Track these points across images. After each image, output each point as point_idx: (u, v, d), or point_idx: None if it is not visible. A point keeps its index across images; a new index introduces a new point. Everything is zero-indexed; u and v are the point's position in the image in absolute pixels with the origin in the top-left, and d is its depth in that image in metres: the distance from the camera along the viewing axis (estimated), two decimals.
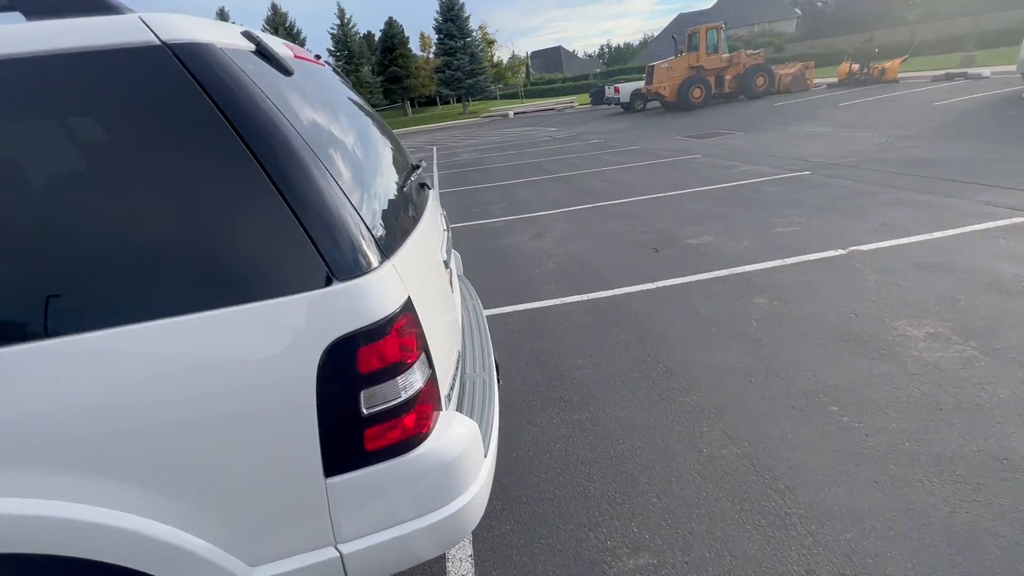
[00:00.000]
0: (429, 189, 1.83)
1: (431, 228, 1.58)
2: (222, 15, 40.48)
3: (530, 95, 51.82)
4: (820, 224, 5.10)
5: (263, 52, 1.21)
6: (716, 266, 4.41)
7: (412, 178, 1.70)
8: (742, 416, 2.48)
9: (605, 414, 2.64)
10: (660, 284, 4.20)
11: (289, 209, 1.00)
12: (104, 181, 0.98)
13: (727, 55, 20.44)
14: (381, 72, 46.78)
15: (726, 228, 5.40)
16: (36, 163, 0.99)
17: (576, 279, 4.56)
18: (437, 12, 42.66)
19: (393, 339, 1.09)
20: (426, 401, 1.20)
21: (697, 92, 20.28)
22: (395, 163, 1.64)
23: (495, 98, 52.38)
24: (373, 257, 1.09)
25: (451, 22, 42.26)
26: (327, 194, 1.05)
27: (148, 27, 0.98)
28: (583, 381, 2.97)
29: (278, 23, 42.79)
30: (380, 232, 1.18)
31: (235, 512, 1.09)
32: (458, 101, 47.84)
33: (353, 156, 1.31)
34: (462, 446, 1.25)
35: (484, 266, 5.22)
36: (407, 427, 1.15)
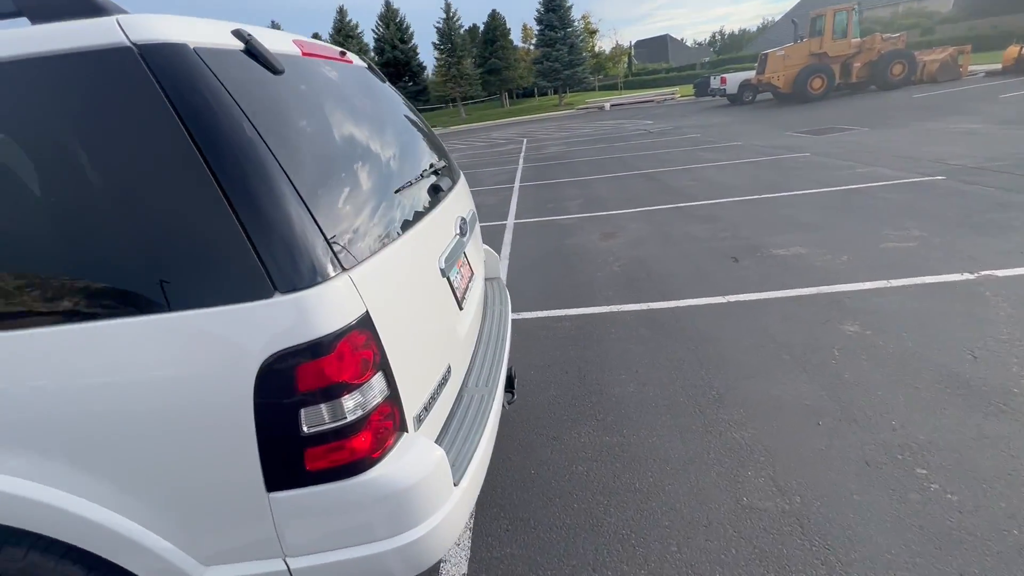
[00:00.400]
0: (444, 191, 1.75)
1: (430, 236, 1.50)
2: (341, 12, 43.67)
3: (630, 86, 50.00)
4: (945, 240, 4.29)
5: (251, 51, 1.19)
6: (802, 282, 3.88)
7: (422, 181, 1.62)
8: (798, 465, 2.13)
9: (638, 440, 2.42)
10: (732, 298, 3.79)
11: (235, 217, 0.96)
12: (48, 180, 1.01)
13: (857, 40, 18.06)
14: (481, 64, 47.78)
15: (823, 239, 4.74)
16: None
17: (639, 286, 4.27)
18: (539, 3, 42.48)
19: (337, 358, 1.02)
20: (381, 423, 1.12)
21: (817, 82, 18.21)
22: (401, 165, 1.57)
23: (593, 89, 51.25)
24: (324, 269, 1.02)
25: (552, 12, 41.89)
26: (276, 202, 0.99)
27: (121, 29, 0.99)
28: (622, 400, 2.74)
29: (389, 19, 45.29)
30: (345, 242, 1.11)
31: (185, 510, 1.10)
32: (555, 92, 47.48)
33: (339, 159, 1.26)
34: (420, 474, 1.16)
35: (545, 265, 5.08)
36: (355, 449, 1.08)
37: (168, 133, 0.96)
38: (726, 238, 5.17)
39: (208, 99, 0.99)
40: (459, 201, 2.01)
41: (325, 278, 1.02)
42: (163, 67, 0.98)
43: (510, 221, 7.11)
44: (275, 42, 1.35)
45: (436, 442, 1.42)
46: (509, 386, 2.11)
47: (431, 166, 1.78)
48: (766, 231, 5.21)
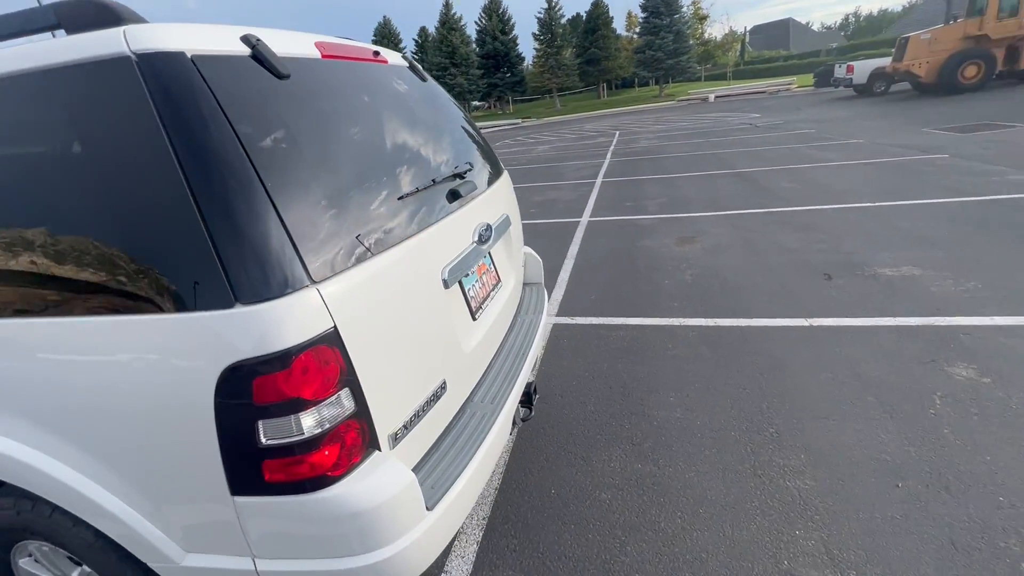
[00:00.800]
0: (465, 196, 1.67)
1: (434, 245, 1.43)
2: (447, 5, 45.07)
3: (741, 76, 46.38)
4: None
5: (257, 56, 1.20)
6: (909, 310, 3.31)
7: (437, 187, 1.56)
8: (861, 532, 1.81)
9: (674, 473, 2.20)
10: (816, 322, 3.33)
11: (203, 224, 0.97)
12: (50, 183, 1.09)
13: None
14: (581, 54, 46.95)
15: (946, 259, 4.02)
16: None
17: (709, 298, 3.92)
18: None
19: (295, 373, 0.99)
20: (345, 441, 1.09)
21: (971, 70, 15.54)
22: (417, 171, 1.51)
23: (698, 79, 48.24)
24: (290, 282, 1.00)
25: None
26: (244, 212, 0.99)
27: (124, 38, 1.03)
28: (664, 425, 2.52)
29: (492, 10, 45.95)
30: (322, 253, 1.08)
31: (164, 499, 1.16)
32: (655, 83, 45.43)
33: (336, 165, 1.23)
34: (383, 497, 1.11)
35: (612, 267, 4.84)
36: (315, 465, 1.06)
37: (153, 138, 0.99)
38: (822, 251, 4.58)
39: (191, 105, 1.00)
40: (491, 205, 1.93)
41: (290, 290, 1.00)
42: (155, 75, 1.01)
43: (584, 219, 6.90)
44: (293, 46, 1.36)
45: (422, 460, 1.37)
46: (527, 401, 2.02)
47: (455, 171, 1.71)
48: (873, 245, 4.53)
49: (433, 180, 1.52)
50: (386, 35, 47.70)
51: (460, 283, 1.66)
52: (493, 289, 1.92)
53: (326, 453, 1.06)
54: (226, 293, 0.96)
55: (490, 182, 2.04)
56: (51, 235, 1.09)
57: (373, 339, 1.16)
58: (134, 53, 1.02)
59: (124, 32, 1.04)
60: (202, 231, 0.97)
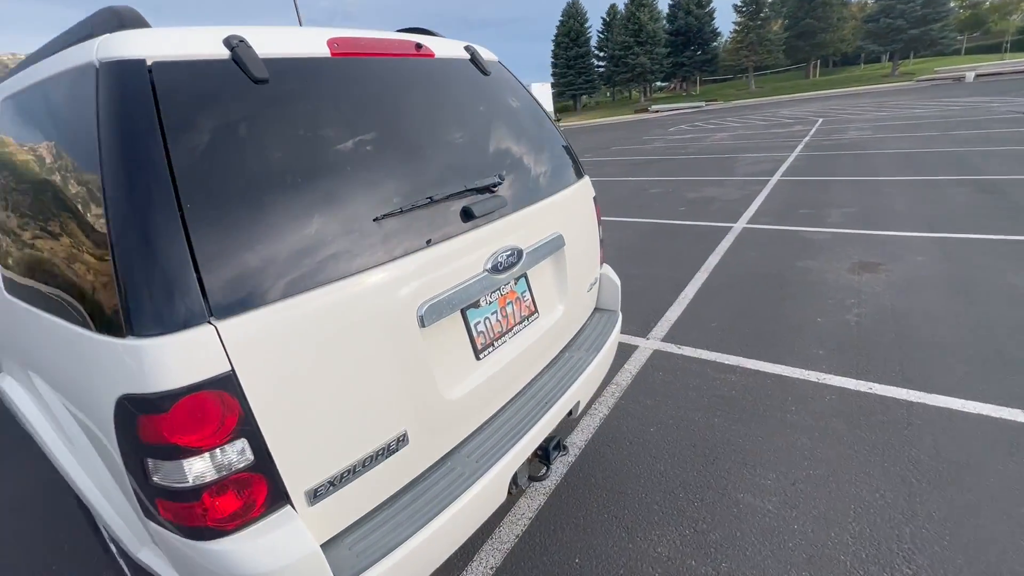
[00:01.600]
0: (481, 216, 1.41)
1: (411, 275, 1.21)
2: None
3: (1022, 47, 35.16)
4: None
5: (237, 59, 1.11)
6: None
7: (442, 205, 1.33)
8: None
9: None
10: None
11: (110, 242, 0.92)
12: (19, 191, 1.14)
13: None
14: (792, 27, 40.64)
15: None
16: None
17: (874, 352, 2.98)
18: None
19: (175, 418, 0.90)
20: (239, 494, 0.98)
21: None
22: (419, 185, 1.30)
23: (955, 53, 37.99)
24: (183, 317, 0.89)
25: None
26: (149, 235, 0.90)
27: (95, 47, 1.02)
28: (747, 516, 1.96)
29: None
30: (236, 286, 0.95)
31: (113, 492, 1.20)
32: (889, 59, 37.13)
33: (296, 181, 1.09)
34: (274, 565, 0.98)
35: (751, 289, 4.03)
36: (206, 513, 0.97)
37: (92, 148, 0.97)
38: None
39: (124, 114, 0.95)
40: (534, 223, 1.64)
41: (183, 327, 0.90)
42: (106, 84, 0.98)
43: (739, 224, 5.92)
44: (294, 45, 1.25)
45: (363, 519, 1.21)
46: (545, 457, 1.71)
47: (477, 185, 1.46)
48: None
49: (431, 198, 1.30)
50: (573, 15, 47.51)
51: (464, 315, 1.43)
52: (523, 322, 1.64)
53: (217, 504, 0.96)
54: (119, 322, 0.91)
55: (543, 196, 1.74)
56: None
57: (291, 385, 1.01)
58: (98, 61, 1.01)
59: (99, 41, 1.03)
60: (108, 249, 0.92)
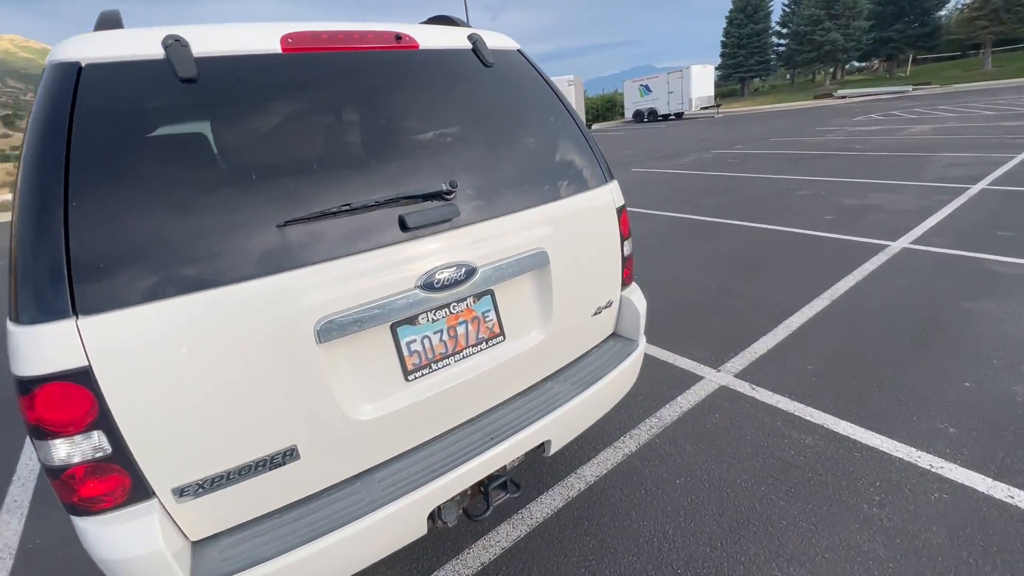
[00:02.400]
0: (424, 227, 1.26)
1: (313, 287, 1.13)
2: None
3: None
4: None
5: (170, 59, 1.13)
6: None
7: (373, 213, 1.23)
8: None
9: None
10: None
11: (12, 238, 1.00)
12: None
13: None
14: None
15: None
16: None
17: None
18: None
19: (36, 402, 0.96)
20: (100, 481, 1.03)
21: None
22: (336, 191, 1.20)
23: None
24: (49, 310, 0.94)
25: None
26: (35, 229, 0.96)
27: (57, 48, 1.12)
28: None
29: None
30: (112, 284, 0.98)
31: None
32: None
33: (198, 183, 1.08)
34: (121, 555, 1.02)
35: (881, 330, 3.20)
36: (77, 490, 1.04)
37: (24, 149, 1.07)
38: None
39: (41, 112, 1.02)
40: (493, 239, 1.44)
41: (48, 319, 0.95)
42: (43, 84, 1.07)
43: (899, 243, 4.76)
44: (247, 42, 1.25)
45: (245, 525, 1.21)
46: (486, 496, 1.54)
47: (425, 192, 1.32)
48: None
49: (348, 205, 1.20)
50: None
51: (394, 332, 1.33)
52: (480, 344, 1.48)
53: (81, 485, 1.03)
54: (12, 308, 0.99)
55: (528, 205, 1.52)
56: None
57: (156, 386, 1.03)
58: (49, 62, 1.11)
59: (64, 42, 1.13)
60: (13, 239, 1.00)
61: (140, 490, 1.07)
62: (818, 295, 3.82)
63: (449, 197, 1.35)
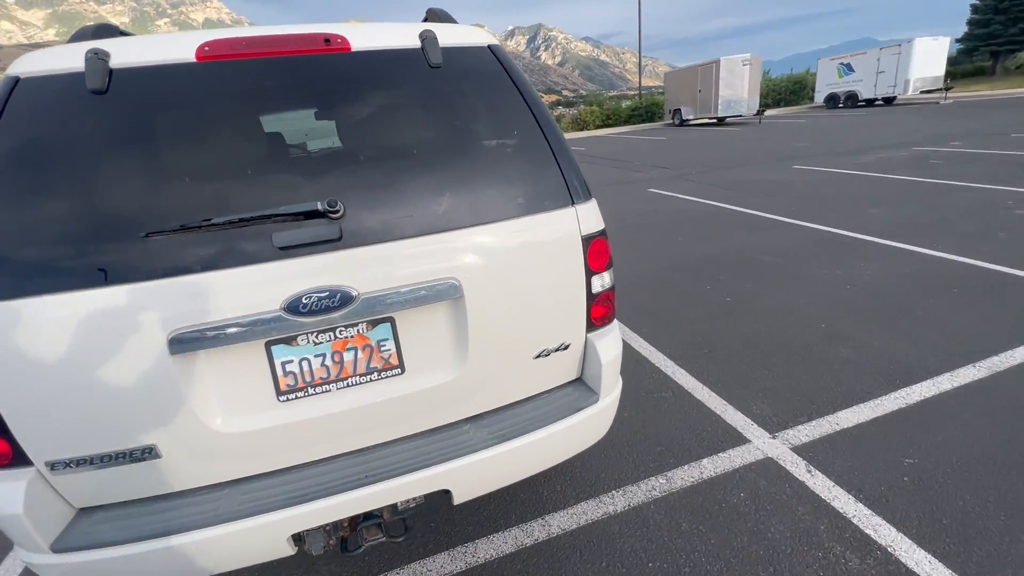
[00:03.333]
0: (291, 247, 1.16)
1: (168, 300, 1.13)
2: None
3: None
4: None
5: (85, 72, 1.22)
6: None
7: (230, 230, 1.18)
8: None
9: None
10: None
11: None
12: None
13: None
14: None
15: None
16: None
17: None
18: None
19: None
20: None
21: None
22: (207, 205, 1.17)
23: None
24: None
25: None
26: None
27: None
28: None
29: None
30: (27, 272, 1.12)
31: None
32: None
33: (74, 191, 1.15)
34: None
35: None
36: None
37: None
38: None
39: None
40: (391, 264, 1.29)
41: None
42: None
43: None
44: (163, 52, 1.29)
45: (112, 507, 1.31)
46: (358, 535, 1.44)
47: (298, 211, 1.23)
48: None
49: (208, 220, 1.17)
50: None
51: (268, 351, 1.29)
52: (371, 375, 1.37)
53: None
54: None
55: (444, 227, 1.34)
56: None
57: (25, 373, 1.14)
58: (4, 76, 1.28)
59: (22, 57, 1.30)
60: None
61: (21, 458, 1.22)
62: (973, 361, 2.81)
63: (334, 216, 1.25)
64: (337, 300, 1.26)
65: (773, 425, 2.46)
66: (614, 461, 2.31)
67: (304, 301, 1.23)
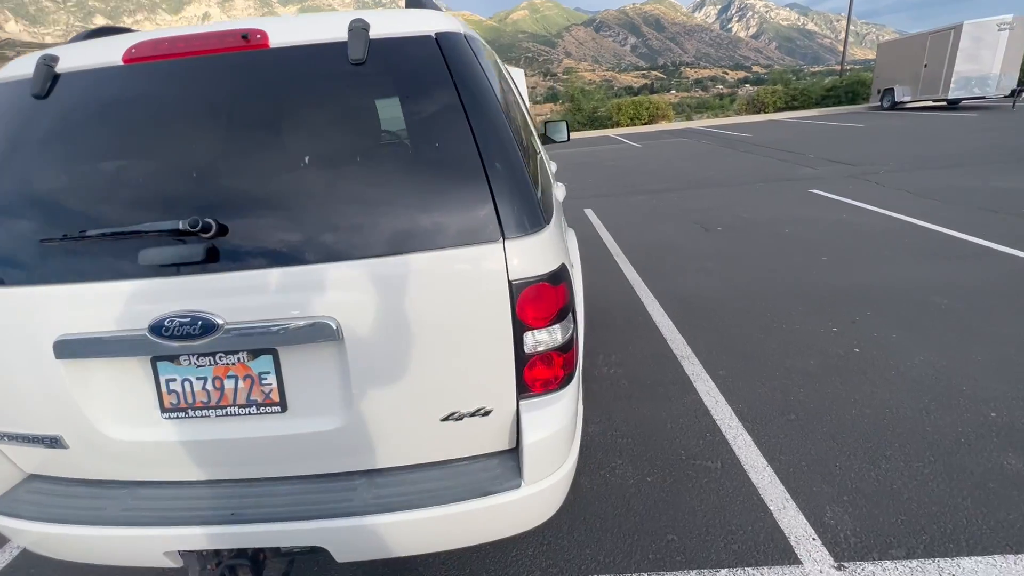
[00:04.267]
0: (160, 266, 1.05)
1: (59, 305, 1.12)
2: None
3: None
4: None
5: (32, 78, 1.28)
6: None
7: (101, 241, 1.13)
8: None
9: None
10: None
11: None
12: None
13: None
14: None
15: None
16: None
17: None
18: None
19: None
20: None
21: None
22: (94, 215, 1.12)
23: None
24: None
25: None
26: None
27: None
28: None
29: None
30: None
31: None
32: None
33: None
34: None
35: None
36: None
37: None
38: None
39: None
40: (262, 293, 1.13)
41: None
42: None
43: None
44: (97, 55, 1.29)
45: (39, 478, 1.43)
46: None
47: (165, 229, 1.13)
48: None
49: (84, 231, 1.13)
50: None
51: (154, 365, 1.25)
52: (250, 407, 1.24)
53: None
54: None
55: (326, 258, 1.13)
56: None
57: None
58: None
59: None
60: None
61: None
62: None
63: (204, 235, 1.13)
64: (199, 328, 1.15)
65: (847, 549, 1.77)
66: (608, 535, 1.91)
67: (167, 324, 1.16)
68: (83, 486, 1.41)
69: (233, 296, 1.16)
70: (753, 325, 3.47)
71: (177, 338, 1.17)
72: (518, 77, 6.83)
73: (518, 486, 1.26)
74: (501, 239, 1.17)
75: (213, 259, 1.15)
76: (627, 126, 26.10)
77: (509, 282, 1.18)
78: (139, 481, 1.40)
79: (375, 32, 1.24)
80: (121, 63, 1.29)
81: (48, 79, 1.29)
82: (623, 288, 4.38)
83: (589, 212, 7.32)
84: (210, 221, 1.13)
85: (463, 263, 1.16)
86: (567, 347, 1.28)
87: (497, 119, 1.23)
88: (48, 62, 1.30)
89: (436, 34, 1.27)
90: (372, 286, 1.16)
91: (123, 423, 1.31)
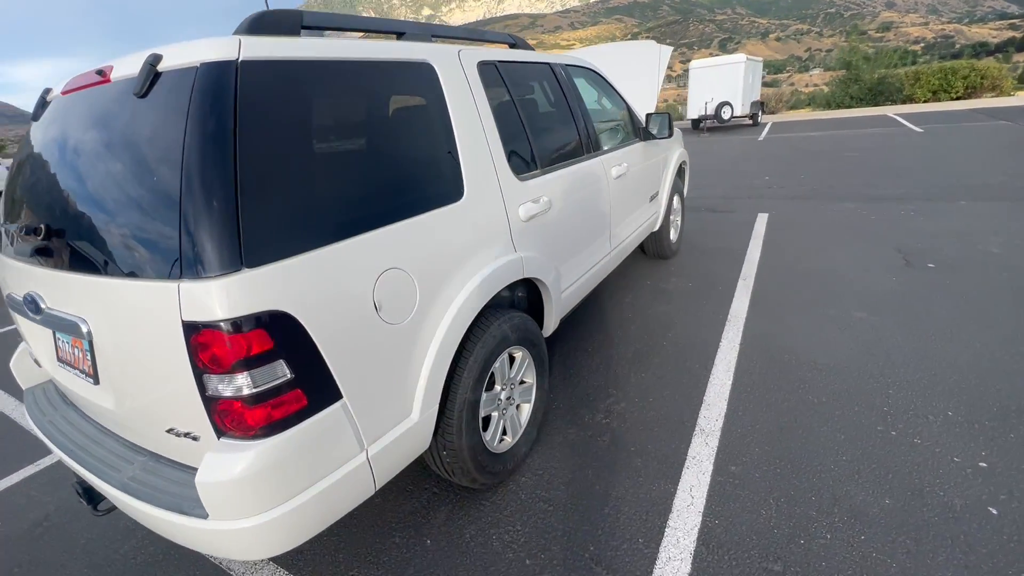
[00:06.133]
0: (30, 256, 1.37)
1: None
2: None
3: None
4: None
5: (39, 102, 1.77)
6: None
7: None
8: None
9: None
10: None
11: None
12: None
13: None
14: None
15: None
16: None
17: None
18: None
19: None
20: None
21: None
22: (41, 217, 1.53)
23: None
24: None
25: None
26: None
27: None
28: None
29: None
30: None
31: None
32: None
33: None
34: None
35: None
36: None
37: None
38: None
39: None
40: (77, 290, 1.39)
41: None
42: None
43: None
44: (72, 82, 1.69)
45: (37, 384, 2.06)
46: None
47: (21, 227, 1.45)
48: None
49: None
50: None
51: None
52: (82, 375, 1.55)
53: None
54: None
55: (87, 269, 1.32)
56: None
57: None
58: None
59: None
60: None
61: None
62: None
63: (36, 237, 1.46)
64: (33, 306, 1.50)
65: None
66: None
67: (24, 298, 1.54)
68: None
69: (55, 286, 1.48)
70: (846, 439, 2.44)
71: (28, 311, 1.55)
72: (663, 56, 5.83)
73: (203, 517, 1.29)
74: (178, 278, 1.17)
75: (47, 255, 1.48)
76: (925, 101, 19.79)
77: (182, 322, 1.18)
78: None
79: (164, 64, 1.32)
80: (60, 95, 1.68)
81: (41, 106, 1.78)
82: (710, 321, 3.51)
83: (761, 218, 5.98)
84: (41, 226, 1.44)
85: (141, 296, 1.23)
86: (258, 399, 1.21)
87: (215, 155, 1.19)
88: (49, 89, 1.79)
89: (202, 63, 1.27)
90: (103, 300, 1.32)
91: (45, 362, 1.80)
